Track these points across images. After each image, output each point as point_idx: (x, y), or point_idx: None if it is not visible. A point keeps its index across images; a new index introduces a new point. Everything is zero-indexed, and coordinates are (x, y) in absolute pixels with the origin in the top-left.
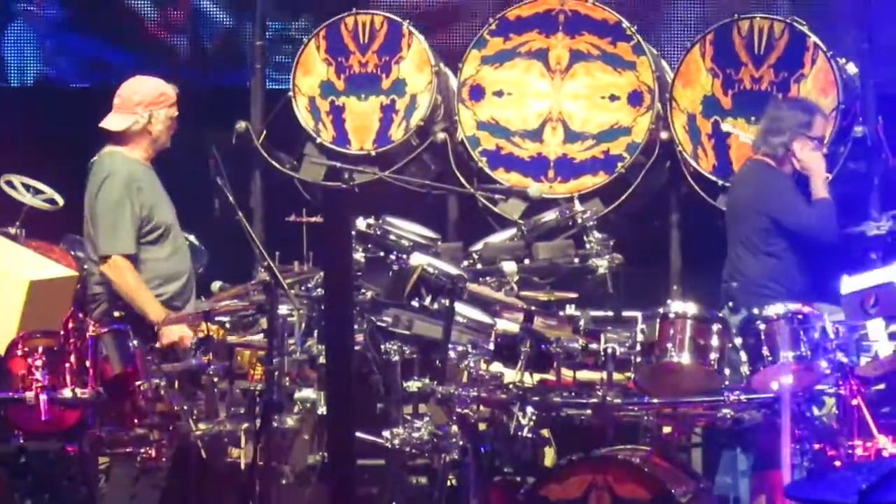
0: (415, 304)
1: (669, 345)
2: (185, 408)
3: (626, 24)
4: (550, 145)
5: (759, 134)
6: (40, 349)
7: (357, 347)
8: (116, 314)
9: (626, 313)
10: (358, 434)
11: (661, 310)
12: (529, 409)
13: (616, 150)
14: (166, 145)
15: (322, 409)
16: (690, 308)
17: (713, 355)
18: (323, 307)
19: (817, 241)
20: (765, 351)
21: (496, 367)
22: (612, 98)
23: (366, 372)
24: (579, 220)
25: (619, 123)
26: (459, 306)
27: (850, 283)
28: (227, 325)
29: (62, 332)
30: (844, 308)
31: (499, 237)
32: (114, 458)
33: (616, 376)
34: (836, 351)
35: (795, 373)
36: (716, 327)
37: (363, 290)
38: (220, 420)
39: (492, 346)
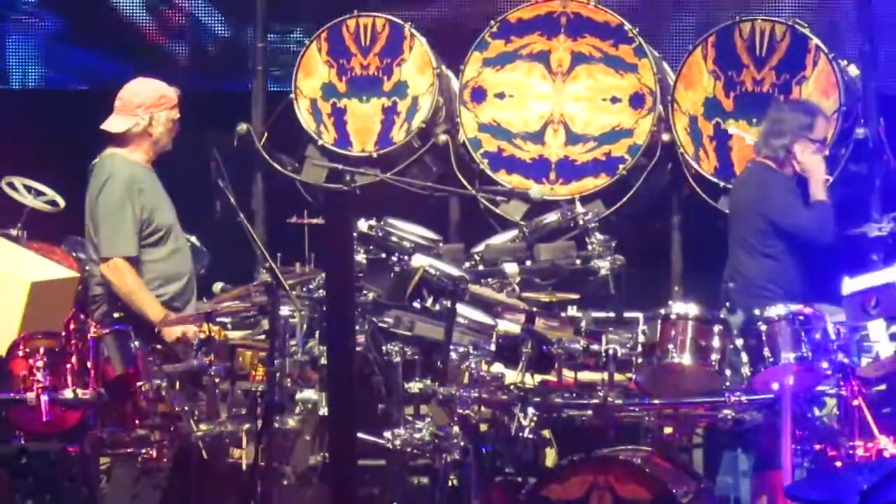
0: (416, 305)
1: (671, 346)
2: (187, 409)
3: (627, 26)
4: (552, 147)
5: (760, 136)
6: (41, 350)
7: (358, 348)
8: (116, 315)
9: (627, 314)
10: (359, 435)
11: (662, 311)
12: (531, 410)
13: (617, 152)
14: (167, 147)
15: (323, 410)
16: (692, 309)
17: (714, 356)
18: (324, 308)
19: (814, 244)
20: (766, 352)
21: (497, 368)
22: (614, 100)
23: (367, 373)
24: (581, 222)
25: (621, 125)
26: (461, 307)
27: (851, 285)
28: (229, 326)
29: (63, 334)
30: (845, 309)
31: (500, 239)
32: (115, 458)
33: (617, 377)
34: (837, 352)
35: (796, 374)
36: (717, 328)
37: (365, 292)
38: (222, 421)
39: (493, 348)
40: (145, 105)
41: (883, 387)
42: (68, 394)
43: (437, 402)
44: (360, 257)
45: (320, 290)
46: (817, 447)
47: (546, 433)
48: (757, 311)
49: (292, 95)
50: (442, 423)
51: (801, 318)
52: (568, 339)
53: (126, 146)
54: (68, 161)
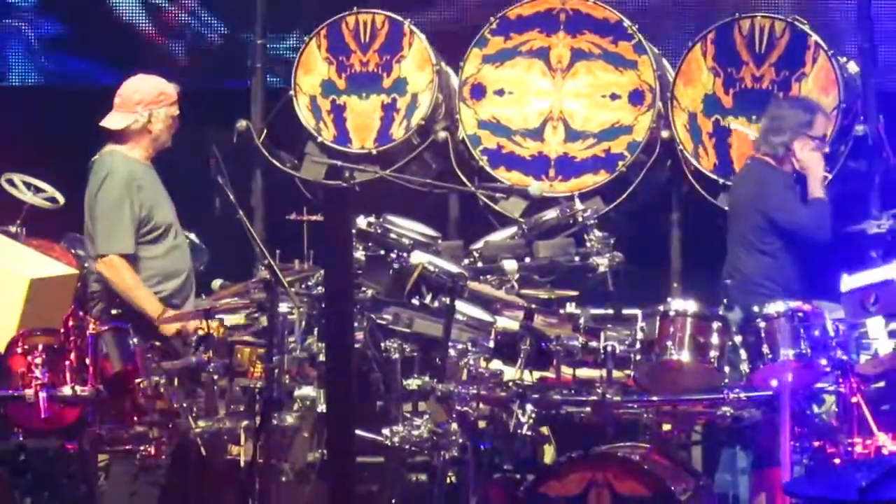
0: (415, 302)
1: (669, 342)
2: (185, 405)
3: (627, 22)
4: (551, 144)
5: (760, 133)
6: (40, 347)
7: (357, 345)
8: (114, 312)
9: (626, 311)
10: (358, 432)
11: (661, 308)
12: (529, 407)
13: (617, 148)
14: (167, 144)
15: (322, 407)
16: (690, 306)
17: (713, 353)
18: (323, 305)
19: (811, 241)
20: (765, 349)
21: (496, 364)
22: (614, 97)
23: (366, 370)
24: (580, 219)
25: (620, 122)
26: (460, 304)
27: (850, 281)
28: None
29: (62, 330)
30: (844, 306)
31: (499, 235)
32: (113, 455)
33: (616, 374)
34: (837, 349)
35: (795, 370)
36: (716, 325)
37: (363, 289)
38: (220, 418)
39: (492, 344)
40: (145, 102)
41: (882, 384)
42: (67, 391)
43: (435, 399)
44: (359, 254)
45: (319, 287)
46: (816, 444)
47: (544, 430)
48: (756, 308)
49: (292, 92)
50: (440, 420)
51: (800, 314)
52: (566, 335)
53: (126, 143)
54: (68, 158)
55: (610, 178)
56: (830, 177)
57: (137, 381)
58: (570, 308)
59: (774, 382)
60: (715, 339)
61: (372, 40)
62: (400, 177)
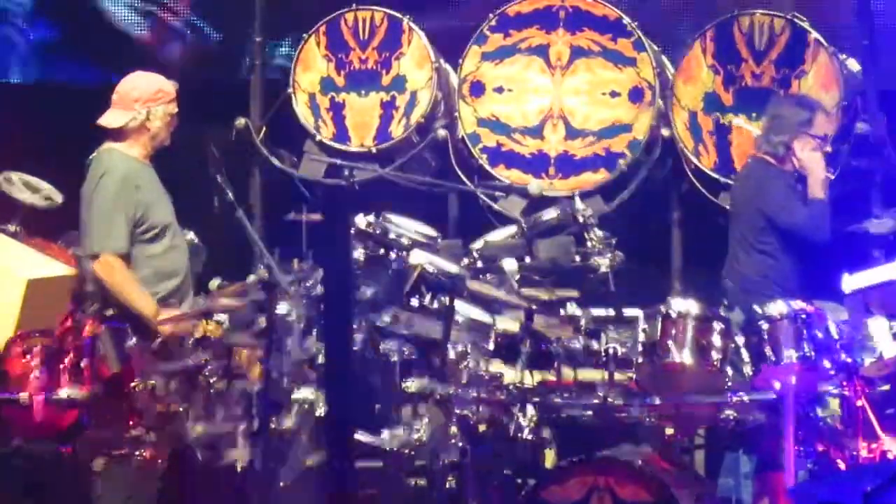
0: (414, 302)
1: (671, 344)
2: (182, 408)
3: (626, 19)
4: (551, 142)
5: (761, 132)
6: (37, 348)
7: (356, 347)
8: (109, 312)
9: (627, 312)
10: (356, 435)
11: (662, 308)
12: (530, 410)
13: (617, 147)
14: (166, 142)
15: (321, 410)
16: (693, 307)
17: (715, 355)
18: (322, 306)
19: (809, 242)
20: (767, 350)
21: (496, 366)
22: (613, 94)
23: (365, 372)
24: (580, 218)
25: (620, 120)
26: (459, 305)
27: (851, 282)
28: (226, 324)
29: (59, 331)
30: (848, 307)
31: (499, 235)
32: (110, 459)
33: (617, 376)
34: (840, 351)
35: (799, 373)
36: (718, 326)
37: (362, 289)
38: (218, 421)
39: (492, 346)
40: (142, 99)
41: (887, 387)
42: (63, 393)
43: (434, 402)
44: (358, 254)
45: (318, 288)
46: (820, 448)
47: (545, 433)
48: (758, 309)
49: (290, 90)
50: (440, 424)
51: (803, 316)
52: (567, 337)
53: (124, 141)
54: (66, 156)
55: (610, 176)
56: (832, 177)
57: (134, 383)
58: (571, 309)
59: (778, 385)
60: (717, 341)
61: (371, 37)
62: (399, 175)
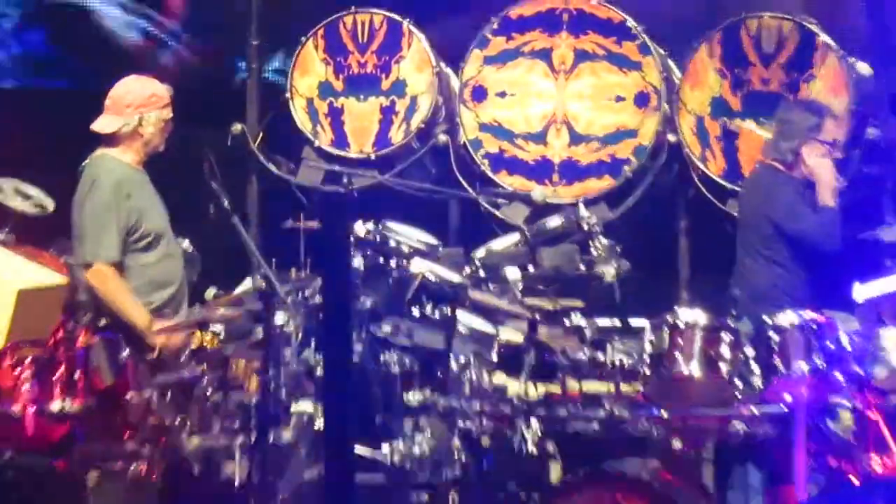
0: (415, 312)
1: (678, 355)
2: (178, 421)
3: (631, 22)
4: (555, 148)
5: (769, 138)
6: (29, 360)
7: (355, 358)
8: (102, 322)
9: (633, 322)
10: (356, 449)
11: (669, 318)
12: (534, 423)
13: (622, 153)
14: (160, 148)
15: (319, 423)
16: (700, 317)
17: (724, 366)
18: (321, 316)
19: (819, 250)
20: (777, 362)
21: (499, 378)
22: (618, 99)
23: (364, 384)
24: (585, 226)
25: (625, 125)
26: (461, 315)
27: (864, 291)
28: (222, 335)
29: (51, 342)
30: (859, 317)
31: (502, 243)
32: (103, 473)
33: (624, 388)
34: (852, 362)
35: (810, 385)
36: (727, 337)
37: (362, 298)
38: (214, 434)
39: (495, 357)
40: (135, 104)
41: None
42: (55, 406)
43: (436, 415)
44: (358, 262)
45: (316, 297)
46: (832, 462)
47: (550, 447)
48: (768, 319)
49: (288, 94)
50: (442, 437)
51: (814, 326)
52: (572, 348)
53: (116, 147)
54: (58, 162)
55: (615, 183)
56: (845, 183)
57: (128, 395)
58: (576, 319)
59: (788, 397)
60: (726, 352)
61: (370, 40)
62: (399, 182)
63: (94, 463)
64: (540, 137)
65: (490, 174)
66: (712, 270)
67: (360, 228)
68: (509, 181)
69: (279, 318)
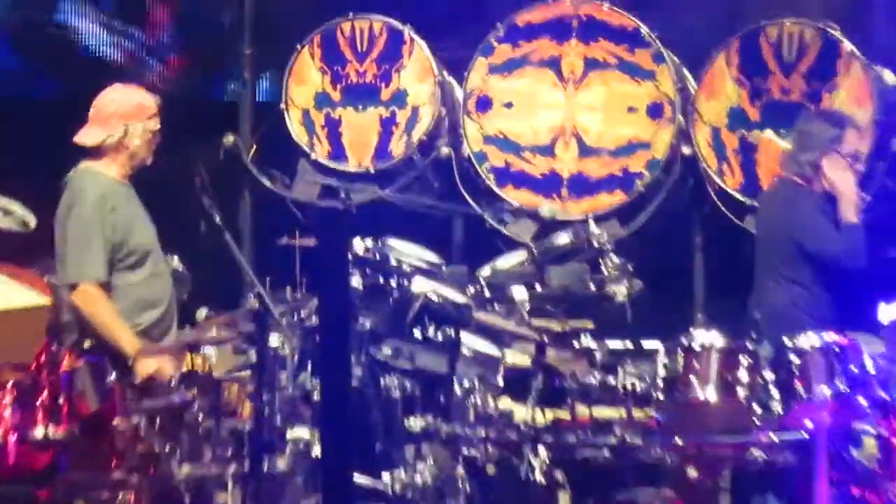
0: (417, 334)
1: (694, 379)
2: (167, 449)
3: (645, 29)
4: (564, 161)
5: (788, 151)
6: (10, 384)
7: (354, 382)
8: (87, 344)
9: (646, 344)
10: (355, 477)
11: (684, 341)
12: (542, 450)
13: (635, 166)
14: (147, 161)
15: (316, 451)
16: (716, 339)
17: (742, 391)
18: (317, 338)
19: (844, 269)
20: (798, 386)
21: (505, 403)
22: (630, 110)
23: (364, 409)
24: (595, 243)
25: (638, 138)
26: (465, 337)
27: (889, 312)
28: (214, 358)
29: (34, 366)
30: (884, 339)
31: (508, 261)
32: (89, 503)
33: (636, 414)
34: (877, 386)
35: (832, 410)
36: (744, 360)
37: (361, 320)
38: (206, 462)
39: (500, 381)
40: (119, 114)
41: None
42: (38, 432)
43: (439, 442)
44: (356, 282)
45: (313, 318)
46: (855, 491)
47: (559, 475)
48: (788, 342)
49: (283, 105)
50: (445, 465)
51: (836, 348)
52: (582, 371)
53: (101, 159)
54: (40, 176)
55: (627, 198)
56: (867, 198)
57: (115, 421)
58: (586, 341)
59: (809, 423)
60: (744, 376)
61: (369, 48)
62: (400, 197)
63: (79, 493)
64: (548, 150)
65: (495, 189)
66: (729, 290)
67: (359, 246)
68: (516, 196)
69: (274, 340)
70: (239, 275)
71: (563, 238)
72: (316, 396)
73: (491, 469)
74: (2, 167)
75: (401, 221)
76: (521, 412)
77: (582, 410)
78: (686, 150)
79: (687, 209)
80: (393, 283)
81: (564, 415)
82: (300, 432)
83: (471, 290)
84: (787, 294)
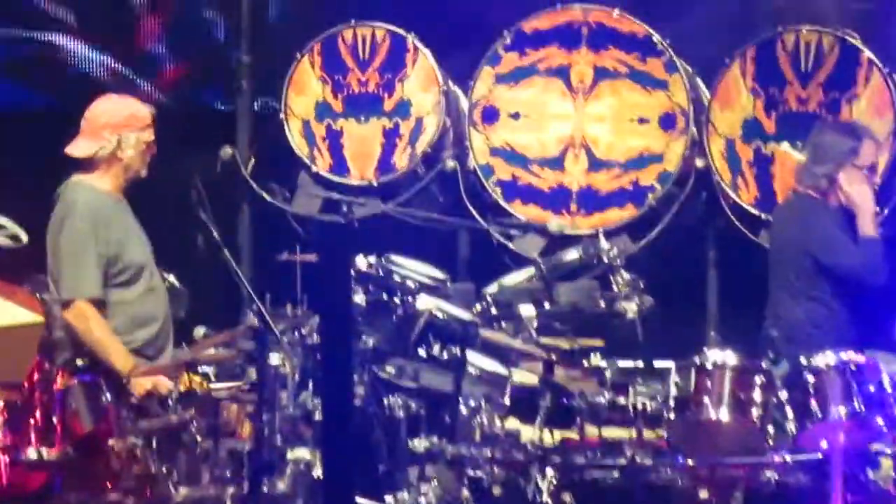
0: (422, 352)
1: (706, 399)
2: (164, 470)
3: (657, 37)
4: (572, 174)
5: (802, 163)
6: (2, 404)
7: (357, 402)
8: (80, 362)
9: (657, 363)
10: (358, 500)
11: (696, 359)
12: (549, 472)
13: (646, 180)
14: (141, 173)
15: (318, 472)
16: (729, 358)
17: (755, 411)
18: (319, 356)
19: (864, 285)
20: (813, 406)
21: (512, 423)
22: (642, 121)
23: (367, 429)
24: (605, 259)
25: (650, 150)
26: (471, 355)
27: None
28: (212, 377)
29: (26, 385)
30: None
31: (515, 278)
32: None
33: (647, 434)
34: (894, 406)
35: (848, 430)
36: (758, 379)
37: (364, 337)
38: (204, 484)
39: (507, 401)
40: (111, 125)
41: None
42: (31, 454)
43: (444, 463)
44: (359, 298)
45: (314, 336)
46: None
47: (567, 497)
48: (803, 360)
49: (282, 116)
50: (450, 487)
51: (853, 367)
52: (591, 391)
53: (93, 172)
54: (32, 189)
55: (638, 213)
56: (885, 212)
57: (110, 442)
58: (595, 359)
59: (824, 444)
60: (757, 396)
61: (372, 57)
62: (404, 211)
63: None
64: (556, 163)
65: (502, 203)
66: (744, 307)
67: (362, 262)
68: (523, 210)
69: (274, 358)
70: (238, 291)
71: (572, 254)
72: (317, 416)
73: (497, 491)
74: None
75: (405, 236)
76: (529, 432)
77: (591, 431)
78: (699, 163)
79: (700, 224)
80: (397, 299)
81: (573, 435)
82: (301, 453)
83: (477, 307)
84: (802, 310)
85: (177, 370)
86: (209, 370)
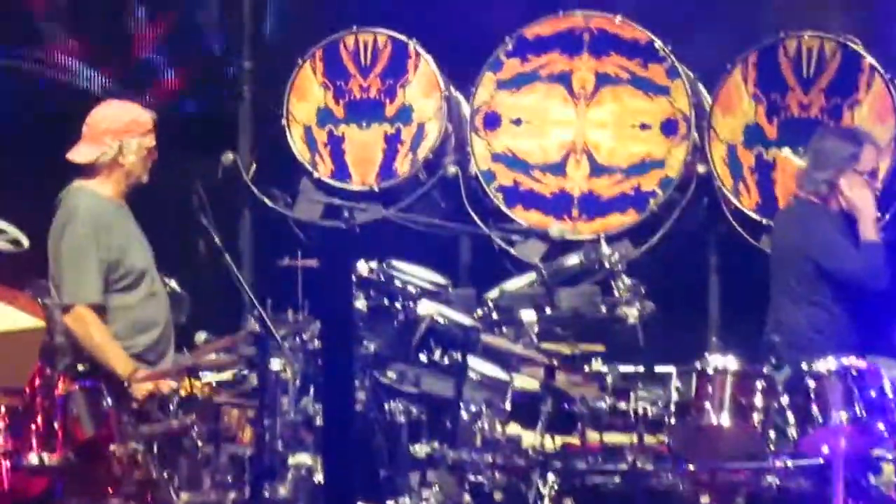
0: (423, 358)
1: (707, 404)
2: (166, 475)
3: (658, 43)
4: (574, 180)
5: (803, 169)
6: (3, 409)
7: (358, 407)
8: (81, 367)
9: (658, 368)
10: None
11: (698, 364)
12: (551, 477)
13: (647, 185)
14: (142, 179)
15: (319, 477)
16: (731, 363)
17: (756, 416)
18: (320, 361)
19: (866, 290)
20: (815, 411)
21: (513, 428)
22: (643, 127)
23: (368, 435)
24: (606, 264)
25: (651, 155)
26: (472, 360)
27: None
28: (213, 383)
29: (27, 390)
30: None
31: (516, 283)
32: None
33: (648, 439)
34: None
35: (849, 436)
36: (759, 384)
37: (365, 343)
38: (205, 489)
39: (508, 406)
40: (113, 131)
41: None
42: (33, 459)
43: (445, 468)
44: (360, 304)
45: (315, 341)
46: None
47: (568, 503)
48: (805, 365)
49: (284, 121)
50: (451, 492)
51: (854, 372)
52: (592, 396)
53: (95, 178)
54: (33, 194)
55: (640, 218)
56: (887, 217)
57: (112, 447)
58: (596, 365)
59: (826, 449)
60: (759, 401)
61: (373, 63)
62: (405, 217)
63: None
64: (558, 168)
65: (504, 208)
66: (745, 312)
67: (363, 267)
68: (525, 216)
69: (275, 363)
70: (239, 297)
71: (573, 259)
72: (318, 421)
73: (498, 496)
74: None
75: (406, 242)
76: (530, 437)
77: (592, 436)
78: (701, 169)
79: (701, 229)
80: (398, 305)
81: (574, 440)
82: (302, 458)
83: (478, 312)
84: (804, 315)
85: (178, 375)
86: (210, 375)
